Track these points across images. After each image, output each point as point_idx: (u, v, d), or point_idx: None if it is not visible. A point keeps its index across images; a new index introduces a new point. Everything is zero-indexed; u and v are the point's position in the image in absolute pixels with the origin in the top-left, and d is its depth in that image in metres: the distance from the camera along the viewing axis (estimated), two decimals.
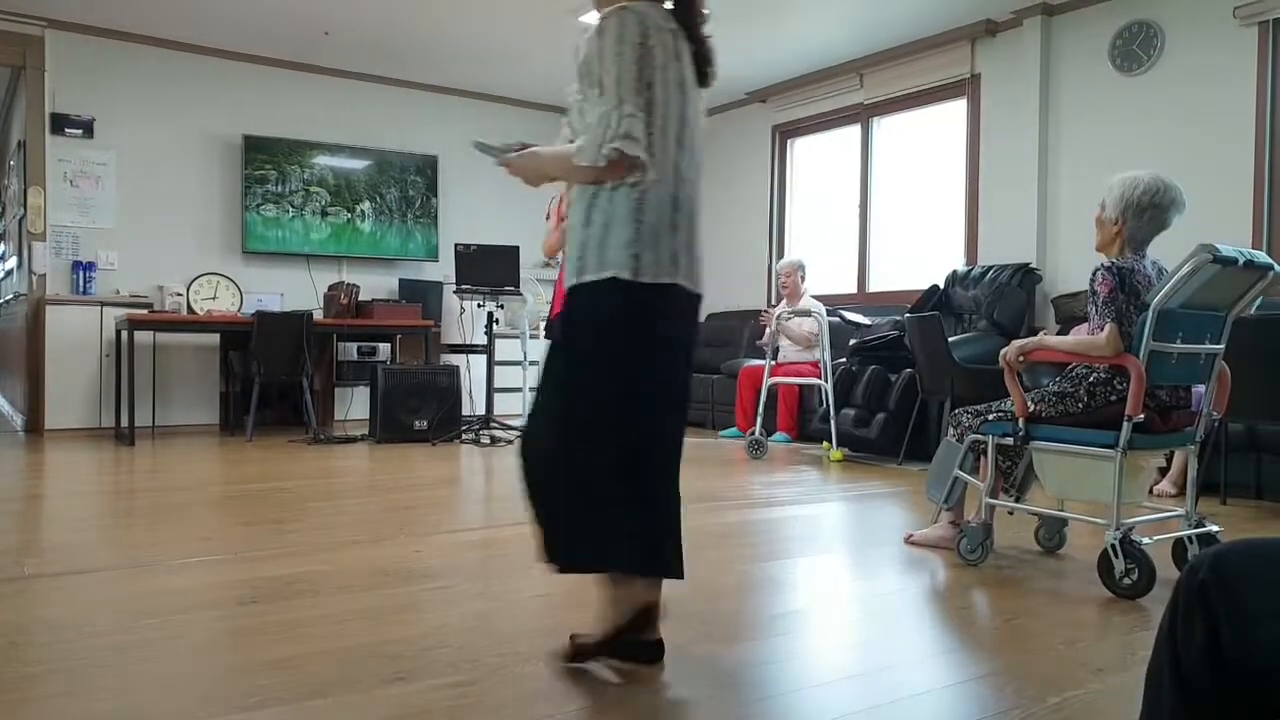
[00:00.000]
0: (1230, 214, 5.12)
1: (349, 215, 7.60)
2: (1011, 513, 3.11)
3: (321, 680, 1.80)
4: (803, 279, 6.31)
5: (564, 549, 1.92)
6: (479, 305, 6.54)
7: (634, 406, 1.87)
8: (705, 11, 1.96)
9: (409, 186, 7.84)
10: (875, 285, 7.30)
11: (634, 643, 1.91)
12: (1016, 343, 2.84)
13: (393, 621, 2.19)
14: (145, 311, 6.47)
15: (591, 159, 1.79)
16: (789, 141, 8.11)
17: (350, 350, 7.22)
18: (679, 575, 1.93)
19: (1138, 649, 2.07)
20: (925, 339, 5.03)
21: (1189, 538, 2.73)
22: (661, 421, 1.92)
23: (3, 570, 2.64)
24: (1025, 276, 5.90)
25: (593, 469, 1.87)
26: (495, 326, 6.60)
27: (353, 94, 7.72)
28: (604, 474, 1.87)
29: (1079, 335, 2.83)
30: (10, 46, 6.42)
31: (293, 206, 7.36)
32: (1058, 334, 4.23)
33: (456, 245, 6.46)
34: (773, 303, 7.81)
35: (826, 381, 5.59)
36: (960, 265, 6.45)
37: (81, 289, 6.58)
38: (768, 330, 5.90)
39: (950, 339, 5.09)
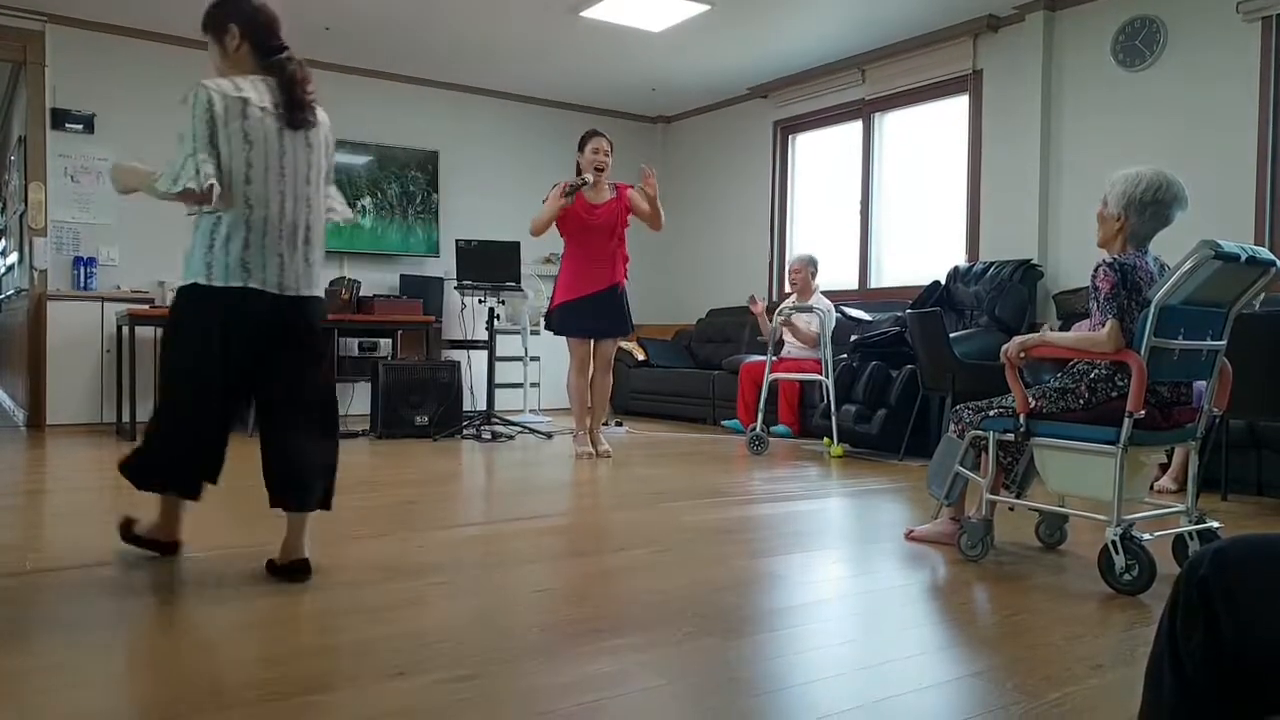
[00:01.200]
0: (1232, 210, 5.11)
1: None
2: (1012, 509, 3.11)
3: (322, 675, 1.81)
4: (814, 275, 6.24)
5: (140, 471, 2.63)
6: (480, 301, 6.54)
7: (194, 373, 2.54)
8: (296, 75, 2.63)
9: (410, 182, 7.84)
10: (877, 281, 7.30)
11: (154, 539, 2.74)
12: (1018, 339, 2.84)
13: (393, 616, 2.19)
14: (146, 307, 6.46)
15: (166, 188, 2.45)
16: (790, 137, 8.10)
17: (351, 346, 7.22)
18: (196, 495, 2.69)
19: (1138, 645, 2.07)
20: (926, 335, 5.03)
21: (1190, 534, 2.73)
22: (220, 385, 2.56)
23: (5, 565, 2.64)
24: (1027, 272, 5.89)
25: (166, 416, 2.61)
26: (496, 322, 6.60)
27: (353, 89, 7.71)
28: (170, 419, 2.61)
29: (1080, 331, 2.83)
30: (11, 41, 6.42)
31: None
32: (1059, 329, 4.23)
33: (457, 241, 6.46)
34: (775, 296, 7.81)
35: (827, 377, 5.59)
36: (962, 261, 6.44)
37: (83, 284, 6.58)
38: (772, 323, 5.86)
39: (951, 335, 5.09)
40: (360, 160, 7.63)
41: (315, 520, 2.60)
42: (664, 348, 8.35)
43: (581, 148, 5.12)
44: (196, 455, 2.61)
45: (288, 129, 2.57)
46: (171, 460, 2.61)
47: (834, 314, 5.88)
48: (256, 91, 2.55)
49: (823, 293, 6.32)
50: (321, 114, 2.71)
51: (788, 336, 6.27)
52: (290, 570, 2.51)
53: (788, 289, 6.47)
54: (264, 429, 2.63)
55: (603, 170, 5.06)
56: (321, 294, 2.71)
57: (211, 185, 2.41)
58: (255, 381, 2.60)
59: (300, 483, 2.57)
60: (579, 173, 5.10)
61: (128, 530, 2.76)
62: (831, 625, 2.23)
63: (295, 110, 2.58)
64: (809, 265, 6.25)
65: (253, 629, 2.09)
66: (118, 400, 6.31)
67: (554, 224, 5.09)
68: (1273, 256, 2.59)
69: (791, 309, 5.97)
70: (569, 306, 5.12)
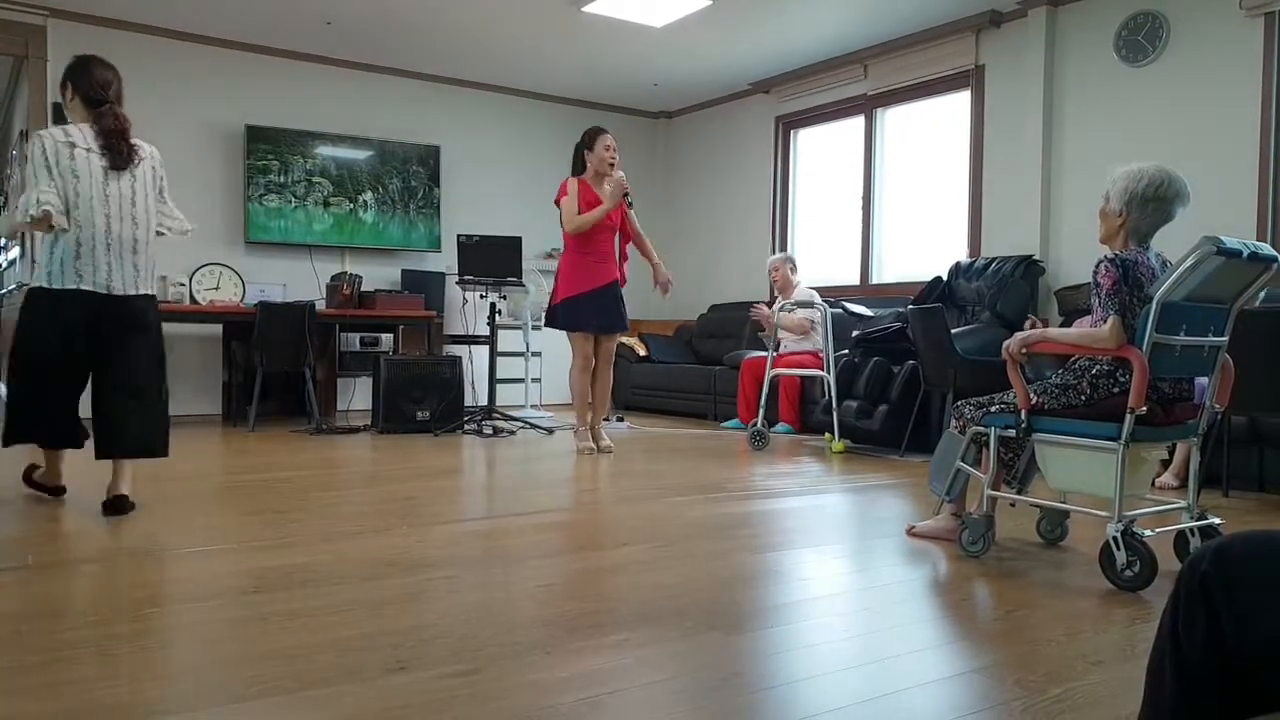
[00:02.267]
0: (1235, 206, 5.10)
1: (351, 205, 7.60)
2: (1013, 504, 3.11)
3: (323, 669, 1.81)
4: (792, 271, 6.33)
5: (7, 434, 3.40)
6: (481, 296, 6.54)
7: (39, 356, 3.32)
8: (109, 126, 3.33)
9: (411, 177, 7.84)
10: (878, 277, 7.29)
11: (44, 485, 3.60)
12: (1019, 335, 2.84)
13: (394, 611, 2.20)
14: None
15: (20, 220, 3.20)
16: (792, 133, 8.10)
17: (353, 341, 7.23)
18: (74, 446, 3.49)
19: (1139, 641, 2.08)
20: (928, 331, 5.03)
21: (1191, 530, 2.73)
22: (57, 364, 3.33)
23: (7, 559, 2.65)
24: (1028, 268, 5.89)
25: (19, 390, 3.36)
26: (497, 317, 6.60)
27: (355, 84, 7.71)
28: (24, 390, 3.36)
29: (1082, 328, 2.82)
30: (12, 36, 6.42)
31: (295, 197, 7.36)
32: (1060, 325, 4.22)
33: (459, 236, 6.46)
34: (770, 298, 7.80)
35: (829, 373, 5.59)
36: (963, 257, 6.44)
37: None
38: (770, 325, 5.89)
39: (953, 331, 5.08)
40: (362, 155, 7.63)
41: (316, 516, 2.61)
42: (665, 343, 8.35)
43: (590, 146, 5.10)
44: (48, 416, 3.40)
45: (111, 170, 3.32)
46: (29, 423, 3.39)
47: (822, 305, 5.88)
48: (83, 135, 3.31)
49: (823, 288, 6.33)
50: (145, 149, 3.47)
51: (780, 332, 6.29)
52: (114, 504, 3.29)
53: (774, 289, 6.51)
54: (95, 395, 3.37)
55: (613, 166, 5.09)
56: (150, 291, 3.46)
57: (47, 211, 3.12)
58: (93, 358, 3.35)
59: (122, 436, 3.36)
60: (584, 168, 5.13)
61: (29, 476, 3.63)
62: (832, 621, 2.23)
63: (109, 154, 3.33)
64: (785, 263, 6.33)
65: (252, 624, 2.10)
66: None
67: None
68: (1275, 252, 2.58)
69: (792, 305, 5.98)
70: (573, 302, 5.12)
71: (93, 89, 3.37)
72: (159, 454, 3.45)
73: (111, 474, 3.35)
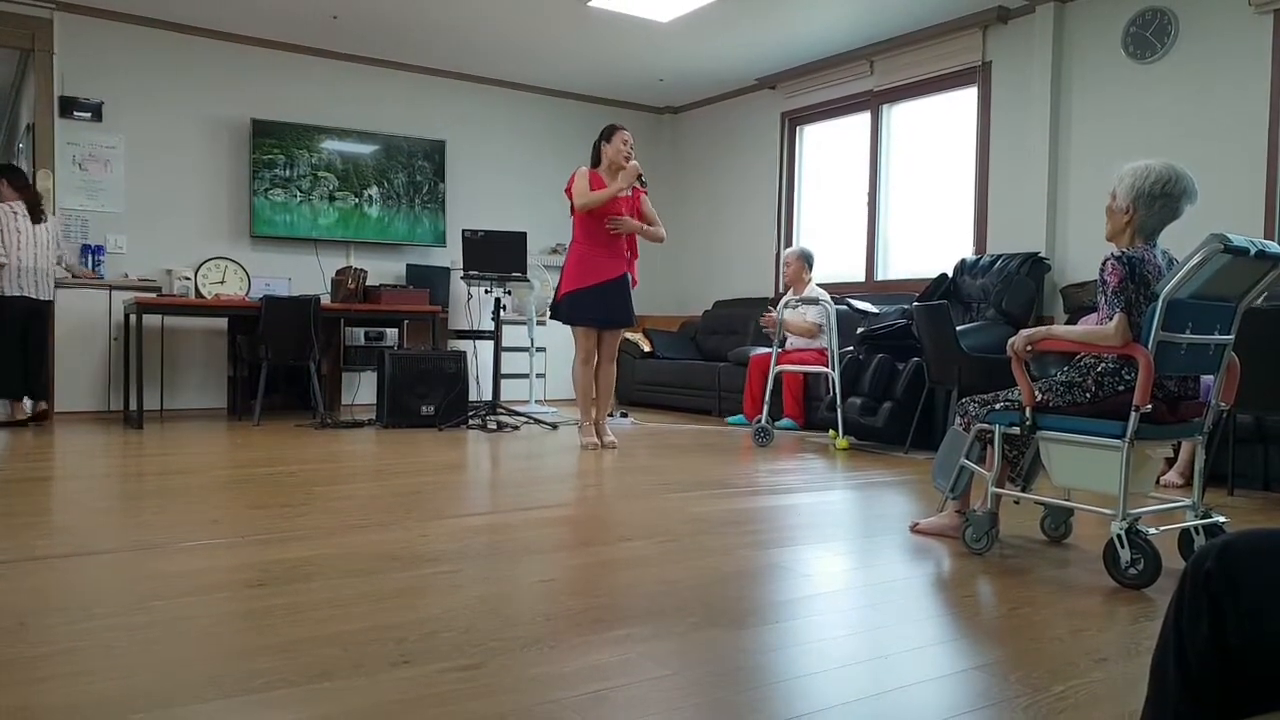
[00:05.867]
0: (1242, 204, 5.09)
1: (357, 200, 7.61)
2: (1017, 502, 3.11)
3: (327, 663, 1.81)
4: (807, 268, 6.28)
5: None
6: (486, 291, 6.54)
7: (4, 334, 5.83)
8: (33, 201, 5.97)
9: (417, 172, 7.84)
10: (884, 274, 7.29)
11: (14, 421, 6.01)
12: (1024, 332, 2.83)
13: (398, 605, 2.20)
14: (154, 295, 6.48)
15: None
16: (798, 128, 8.08)
17: (358, 335, 7.23)
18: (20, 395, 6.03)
19: (1142, 639, 2.07)
20: (933, 328, 5.02)
21: (1195, 528, 2.72)
22: (9, 343, 5.87)
23: (12, 552, 2.66)
24: (1034, 266, 5.88)
25: None
26: (502, 312, 6.60)
27: (361, 78, 7.71)
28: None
29: (1087, 325, 2.82)
30: (19, 29, 6.43)
31: (300, 191, 7.37)
32: (1066, 324, 4.21)
33: (464, 231, 6.46)
34: (779, 292, 7.79)
35: (833, 370, 5.58)
36: (969, 254, 6.43)
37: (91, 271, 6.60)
38: (773, 325, 5.88)
39: (958, 328, 5.08)
40: (367, 149, 7.63)
41: (321, 510, 2.61)
42: (670, 339, 8.35)
43: (608, 138, 5.15)
44: (8, 375, 5.86)
45: (33, 224, 5.85)
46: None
47: (830, 302, 5.87)
48: (17, 208, 5.82)
49: (829, 285, 6.31)
50: (49, 215, 6.09)
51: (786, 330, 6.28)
52: (39, 419, 6.02)
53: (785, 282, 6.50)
54: (24, 357, 5.94)
55: (628, 160, 5.11)
56: (52, 299, 6.00)
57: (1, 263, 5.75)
58: (25, 337, 5.88)
59: (37, 384, 5.98)
60: (599, 160, 5.14)
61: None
62: (836, 617, 2.23)
63: (33, 215, 5.88)
64: (800, 258, 6.28)
65: (256, 617, 2.10)
66: (125, 388, 6.33)
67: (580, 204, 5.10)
68: None
69: (797, 302, 5.98)
70: (578, 295, 5.12)
71: (22, 180, 5.99)
72: (45, 395, 6.12)
73: (33, 407, 6.01)
